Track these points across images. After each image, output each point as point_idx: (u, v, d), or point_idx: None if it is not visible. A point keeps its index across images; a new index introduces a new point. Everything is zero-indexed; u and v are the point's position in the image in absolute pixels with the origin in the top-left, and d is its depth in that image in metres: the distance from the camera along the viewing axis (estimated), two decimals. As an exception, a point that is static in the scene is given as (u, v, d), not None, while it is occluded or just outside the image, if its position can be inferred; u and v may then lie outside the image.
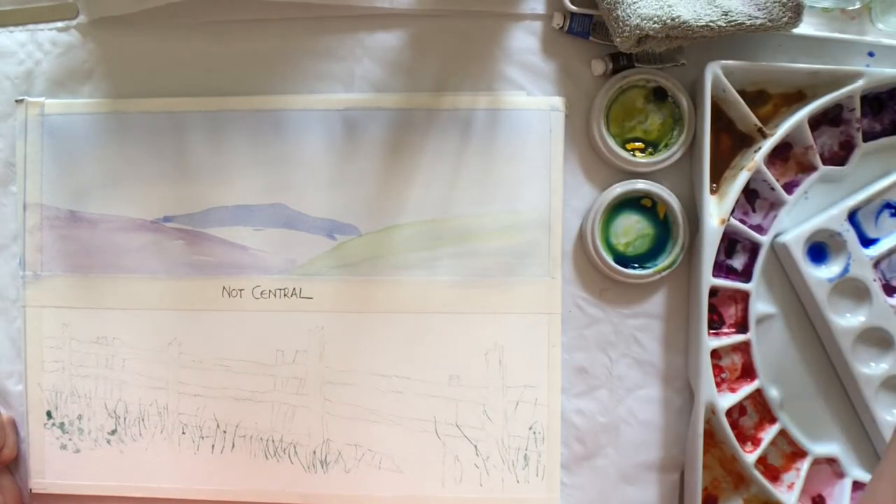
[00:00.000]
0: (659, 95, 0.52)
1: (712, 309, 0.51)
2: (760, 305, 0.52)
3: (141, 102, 0.54)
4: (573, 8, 0.51)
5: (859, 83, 0.50)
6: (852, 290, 0.51)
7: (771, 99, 0.52)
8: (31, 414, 0.54)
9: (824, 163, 0.51)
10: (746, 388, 0.51)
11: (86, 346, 0.54)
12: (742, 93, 0.51)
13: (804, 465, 0.51)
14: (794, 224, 0.52)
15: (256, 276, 0.54)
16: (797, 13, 0.48)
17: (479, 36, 0.53)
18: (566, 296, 0.53)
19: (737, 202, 0.50)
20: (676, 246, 0.52)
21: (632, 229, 0.53)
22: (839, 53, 0.52)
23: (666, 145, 0.52)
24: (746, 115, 0.51)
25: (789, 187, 0.52)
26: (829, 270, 0.51)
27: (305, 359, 0.53)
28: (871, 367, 0.51)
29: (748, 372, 0.52)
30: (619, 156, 0.51)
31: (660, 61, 0.51)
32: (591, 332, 0.53)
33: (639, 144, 0.52)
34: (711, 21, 0.47)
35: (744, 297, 0.51)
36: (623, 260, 0.52)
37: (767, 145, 0.50)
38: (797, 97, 0.52)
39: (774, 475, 0.52)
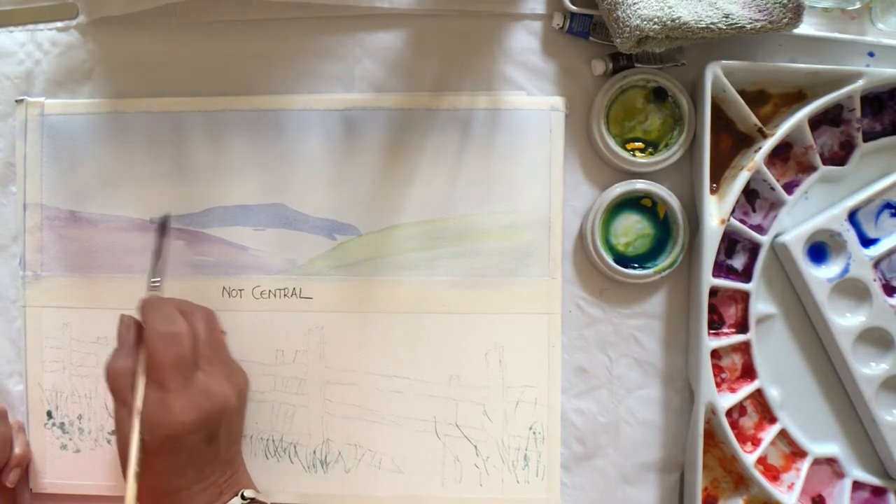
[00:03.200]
0: (659, 95, 0.52)
1: (712, 309, 0.51)
2: (760, 305, 0.52)
3: (141, 102, 0.54)
4: (573, 8, 0.51)
5: (859, 83, 0.50)
6: (852, 290, 0.51)
7: (771, 99, 0.52)
8: (31, 414, 0.54)
9: (824, 163, 0.51)
10: (746, 388, 0.51)
11: (86, 346, 0.54)
12: (742, 93, 0.50)
13: (804, 465, 0.51)
14: (794, 224, 0.52)
15: (256, 276, 0.54)
16: (798, 14, 0.48)
17: (479, 36, 0.53)
18: (566, 296, 0.53)
19: (737, 202, 0.51)
20: (676, 246, 0.52)
21: (632, 229, 0.53)
22: (839, 53, 0.52)
23: (666, 145, 0.52)
24: (746, 115, 0.51)
25: (789, 187, 0.52)
26: (829, 270, 0.51)
27: (305, 359, 0.53)
28: (871, 367, 0.51)
29: (748, 372, 0.52)
30: (619, 156, 0.51)
31: (660, 61, 0.51)
32: (591, 332, 0.53)
33: (639, 144, 0.52)
34: (712, 23, 0.47)
35: (744, 297, 0.51)
36: (623, 260, 0.52)
37: (767, 145, 0.50)
38: (797, 97, 0.52)
39: (774, 475, 0.52)
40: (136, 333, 0.48)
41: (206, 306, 0.50)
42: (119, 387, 0.46)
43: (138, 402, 0.45)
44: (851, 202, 0.51)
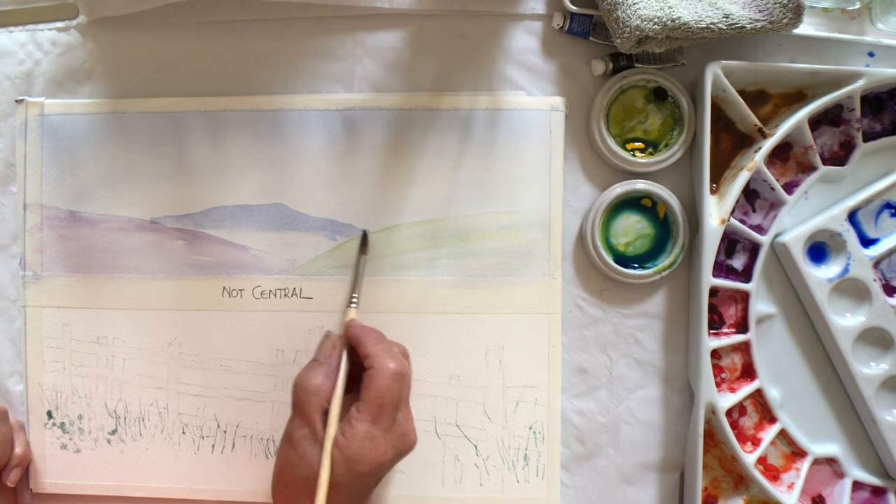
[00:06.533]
0: (659, 95, 0.52)
1: (712, 309, 0.51)
2: (760, 305, 0.52)
3: (141, 102, 0.54)
4: (573, 8, 0.51)
5: (859, 83, 0.50)
6: (852, 290, 0.51)
7: (771, 99, 0.52)
8: (31, 414, 0.55)
9: (824, 163, 0.51)
10: (746, 388, 0.51)
11: (86, 346, 0.54)
12: (742, 93, 0.51)
13: (804, 465, 0.51)
14: (794, 224, 0.52)
15: (256, 276, 0.54)
16: (798, 14, 0.48)
17: (479, 36, 0.53)
18: (566, 296, 0.53)
19: (737, 202, 0.51)
20: (676, 246, 0.52)
21: (632, 229, 0.53)
22: (839, 53, 0.52)
23: (666, 145, 0.52)
24: (746, 115, 0.51)
25: (789, 187, 0.52)
26: (829, 270, 0.51)
27: (305, 359, 0.53)
28: (871, 367, 0.51)
29: (748, 372, 0.52)
30: (619, 156, 0.51)
31: (660, 61, 0.51)
32: (591, 332, 0.53)
33: (639, 144, 0.52)
34: (712, 23, 0.47)
35: (744, 297, 0.51)
36: (623, 260, 0.52)
37: (767, 145, 0.50)
38: (797, 97, 0.52)
39: (774, 475, 0.52)
40: (339, 356, 0.47)
41: (401, 344, 0.49)
42: (309, 405, 0.45)
43: (332, 430, 0.44)
44: (851, 202, 0.51)
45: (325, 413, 0.45)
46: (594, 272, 0.54)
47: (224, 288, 0.54)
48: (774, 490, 0.51)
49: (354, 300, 0.51)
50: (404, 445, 0.45)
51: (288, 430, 0.46)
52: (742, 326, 0.52)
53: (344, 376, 0.46)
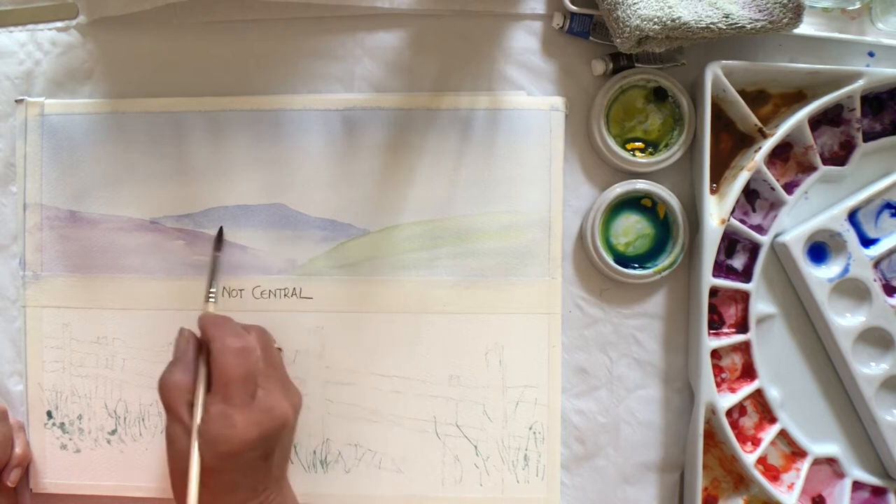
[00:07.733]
0: (659, 95, 0.52)
1: (712, 309, 0.51)
2: (760, 305, 0.52)
3: (141, 102, 0.54)
4: (573, 8, 0.51)
5: (859, 83, 0.50)
6: (852, 290, 0.51)
7: (771, 99, 0.52)
8: (31, 414, 0.54)
9: (824, 163, 0.51)
10: (746, 388, 0.51)
11: (86, 346, 0.54)
12: (742, 93, 0.51)
13: (804, 465, 0.51)
14: (794, 224, 0.52)
15: (256, 276, 0.54)
16: (798, 14, 0.48)
17: (479, 36, 0.53)
18: (566, 296, 0.53)
19: (737, 202, 0.51)
20: (676, 246, 0.52)
21: (632, 229, 0.53)
22: (839, 53, 0.52)
23: (666, 145, 0.52)
24: (746, 115, 0.51)
25: (789, 187, 0.52)
26: (829, 270, 0.51)
27: (305, 359, 0.53)
28: (871, 367, 0.51)
29: (748, 372, 0.52)
30: (619, 156, 0.51)
31: (660, 61, 0.52)
32: (591, 332, 0.53)
33: (639, 144, 0.52)
34: (712, 23, 0.47)
35: (744, 297, 0.51)
36: (623, 260, 0.52)
37: (767, 145, 0.50)
38: (797, 97, 0.52)
39: (774, 475, 0.52)
40: (195, 348, 0.47)
41: (258, 325, 0.50)
42: (174, 401, 0.45)
43: (198, 419, 0.44)
44: (851, 202, 0.51)
45: (192, 406, 0.45)
46: (594, 272, 0.54)
47: (224, 288, 0.54)
48: (774, 490, 0.51)
49: (211, 295, 0.51)
50: (272, 420, 0.45)
51: (165, 432, 0.46)
52: (742, 326, 0.52)
53: (203, 367, 0.46)
